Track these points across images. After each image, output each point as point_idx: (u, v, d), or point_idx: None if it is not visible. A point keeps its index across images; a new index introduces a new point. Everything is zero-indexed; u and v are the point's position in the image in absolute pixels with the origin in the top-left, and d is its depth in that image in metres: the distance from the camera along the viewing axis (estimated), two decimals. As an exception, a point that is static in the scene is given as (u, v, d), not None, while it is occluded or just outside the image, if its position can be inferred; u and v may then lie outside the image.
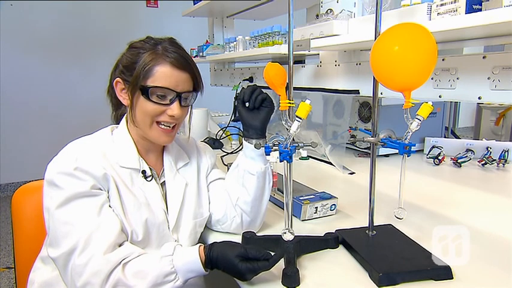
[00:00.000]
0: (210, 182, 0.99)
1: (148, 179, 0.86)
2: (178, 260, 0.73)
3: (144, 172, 0.85)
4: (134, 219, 0.80)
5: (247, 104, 0.89)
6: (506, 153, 1.51)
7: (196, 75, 0.86)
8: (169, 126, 0.85)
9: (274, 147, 0.75)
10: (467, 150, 1.59)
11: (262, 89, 0.90)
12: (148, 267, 0.72)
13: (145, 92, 0.80)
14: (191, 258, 0.73)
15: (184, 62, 0.82)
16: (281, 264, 0.76)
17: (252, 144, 0.87)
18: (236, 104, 0.93)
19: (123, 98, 0.86)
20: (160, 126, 0.84)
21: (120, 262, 0.71)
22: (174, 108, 0.82)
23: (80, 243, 0.71)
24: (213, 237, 0.94)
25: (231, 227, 0.93)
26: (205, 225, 0.98)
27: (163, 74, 0.80)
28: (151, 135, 0.85)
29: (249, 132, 0.90)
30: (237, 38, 1.89)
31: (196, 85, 0.87)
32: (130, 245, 0.76)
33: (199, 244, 0.76)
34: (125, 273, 0.70)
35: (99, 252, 0.70)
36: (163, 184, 0.90)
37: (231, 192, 0.93)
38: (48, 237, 0.77)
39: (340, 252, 0.85)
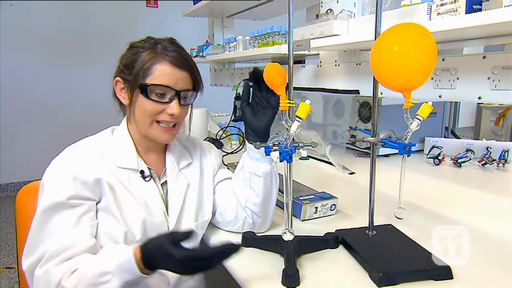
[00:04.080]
0: (218, 183, 0.98)
1: (147, 179, 0.86)
2: (113, 260, 0.67)
3: (142, 172, 0.85)
4: (131, 220, 0.80)
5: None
6: (506, 153, 1.51)
7: (195, 74, 0.85)
8: (169, 125, 0.84)
9: (274, 147, 0.75)
10: (467, 150, 1.59)
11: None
12: (87, 268, 0.69)
13: (145, 90, 0.80)
14: (124, 258, 0.67)
15: (183, 60, 0.82)
16: (281, 264, 0.76)
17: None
18: (240, 104, 0.91)
19: (123, 97, 0.86)
20: (160, 125, 0.84)
21: (69, 271, 0.70)
22: (174, 107, 0.82)
23: (45, 256, 0.72)
24: (216, 239, 0.94)
25: (243, 228, 0.93)
26: (216, 227, 0.98)
27: (162, 72, 0.80)
28: (152, 134, 0.85)
29: (251, 135, 0.88)
30: (237, 38, 1.89)
31: (196, 84, 0.86)
32: (86, 254, 0.74)
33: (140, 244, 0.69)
34: (68, 280, 0.69)
35: (53, 266, 0.71)
36: (164, 184, 0.90)
37: (239, 194, 0.92)
38: (26, 243, 0.76)
39: (340, 252, 0.85)
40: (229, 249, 0.63)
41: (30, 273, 0.73)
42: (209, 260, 0.63)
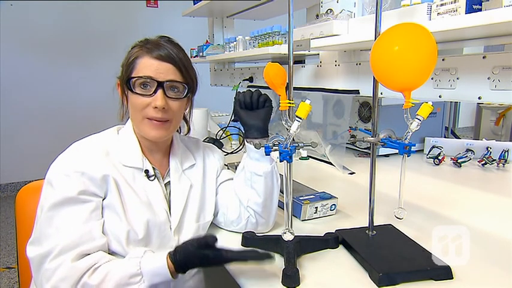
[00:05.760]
0: (221, 183, 0.98)
1: (151, 178, 0.86)
2: (145, 263, 0.72)
3: (146, 171, 0.85)
4: (134, 218, 0.80)
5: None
6: (506, 153, 1.51)
7: (181, 66, 0.83)
8: (159, 121, 0.83)
9: (274, 147, 0.75)
10: (467, 150, 1.59)
11: (263, 89, 0.90)
12: (115, 268, 0.72)
13: (130, 84, 0.81)
14: (159, 263, 0.72)
15: (166, 52, 0.82)
16: (281, 264, 0.76)
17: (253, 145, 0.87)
18: (234, 106, 0.93)
19: (122, 97, 0.87)
20: (150, 121, 0.83)
21: (90, 268, 0.71)
22: (158, 98, 0.80)
23: (56, 249, 0.72)
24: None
25: (246, 227, 0.93)
26: (219, 227, 0.98)
27: (143, 65, 0.81)
28: (143, 130, 0.84)
29: (250, 132, 0.89)
30: (237, 38, 1.89)
31: (185, 77, 0.84)
32: (101, 252, 0.76)
33: (168, 251, 0.75)
34: (92, 277, 0.71)
35: (69, 260, 0.71)
36: (167, 184, 0.90)
37: (241, 195, 0.92)
38: (33, 235, 0.77)
39: (340, 252, 0.85)
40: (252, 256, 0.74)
41: (38, 263, 0.73)
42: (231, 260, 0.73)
